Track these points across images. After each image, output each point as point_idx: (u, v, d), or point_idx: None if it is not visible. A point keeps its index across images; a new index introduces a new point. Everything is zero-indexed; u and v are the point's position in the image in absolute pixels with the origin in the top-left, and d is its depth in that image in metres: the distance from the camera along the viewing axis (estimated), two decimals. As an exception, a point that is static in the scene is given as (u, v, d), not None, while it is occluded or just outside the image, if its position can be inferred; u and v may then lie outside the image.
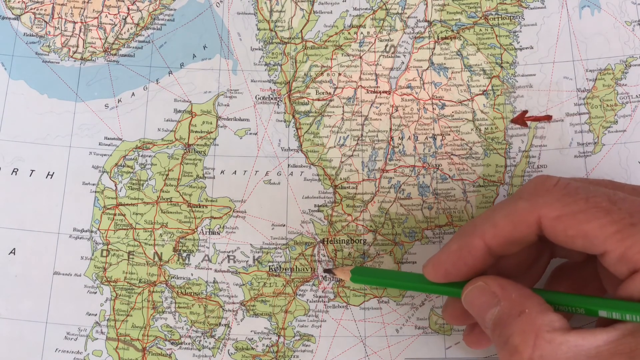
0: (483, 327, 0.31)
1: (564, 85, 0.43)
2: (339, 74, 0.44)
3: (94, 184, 0.42)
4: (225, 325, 0.40)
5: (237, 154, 0.42)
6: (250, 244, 0.41)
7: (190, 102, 0.43)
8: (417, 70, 0.43)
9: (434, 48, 0.44)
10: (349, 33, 0.44)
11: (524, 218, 0.31)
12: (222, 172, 0.42)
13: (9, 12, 0.45)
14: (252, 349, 0.40)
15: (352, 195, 0.42)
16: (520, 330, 0.29)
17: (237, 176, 0.42)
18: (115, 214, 0.42)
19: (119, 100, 0.43)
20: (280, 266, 0.41)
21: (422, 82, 0.43)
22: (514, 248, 0.32)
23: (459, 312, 0.35)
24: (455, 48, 0.44)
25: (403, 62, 0.44)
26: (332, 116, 0.43)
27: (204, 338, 0.40)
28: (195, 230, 0.41)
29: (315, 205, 0.42)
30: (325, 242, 0.41)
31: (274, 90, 0.43)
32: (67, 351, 0.40)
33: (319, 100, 0.43)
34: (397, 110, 0.43)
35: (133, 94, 0.44)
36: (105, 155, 0.42)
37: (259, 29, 0.45)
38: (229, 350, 0.40)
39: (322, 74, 0.44)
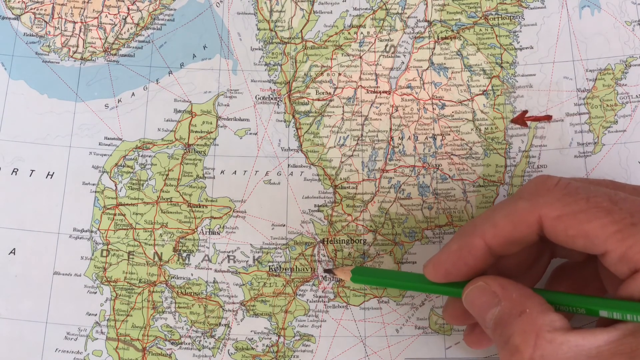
0: (484, 327, 0.31)
1: (564, 85, 0.43)
2: (339, 74, 0.44)
3: (94, 184, 0.42)
4: (225, 325, 0.40)
5: (237, 154, 0.42)
6: (250, 244, 0.41)
7: (190, 102, 0.43)
8: (417, 70, 0.43)
9: (434, 48, 0.44)
10: (349, 33, 0.44)
11: (525, 218, 0.31)
12: (222, 172, 0.42)
13: (9, 12, 0.45)
14: (252, 349, 0.40)
15: (352, 195, 0.42)
16: (521, 330, 0.29)
17: (237, 176, 0.42)
18: (115, 214, 0.41)
19: (119, 100, 0.43)
20: (280, 266, 0.41)
21: (422, 82, 0.43)
22: (514, 248, 0.32)
23: (459, 312, 0.35)
24: (455, 48, 0.44)
25: (403, 62, 0.44)
26: (332, 116, 0.43)
27: (204, 338, 0.40)
28: (195, 230, 0.41)
29: (315, 205, 0.42)
30: (325, 242, 0.41)
31: (274, 90, 0.43)
32: (67, 351, 0.40)
33: (319, 100, 0.43)
34: (397, 110, 0.43)
35: (133, 94, 0.43)
36: (105, 155, 0.42)
37: (259, 29, 0.45)
38: (229, 350, 0.40)
39: (322, 74, 0.44)
